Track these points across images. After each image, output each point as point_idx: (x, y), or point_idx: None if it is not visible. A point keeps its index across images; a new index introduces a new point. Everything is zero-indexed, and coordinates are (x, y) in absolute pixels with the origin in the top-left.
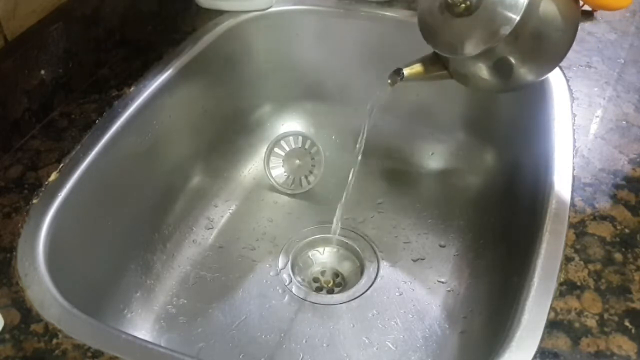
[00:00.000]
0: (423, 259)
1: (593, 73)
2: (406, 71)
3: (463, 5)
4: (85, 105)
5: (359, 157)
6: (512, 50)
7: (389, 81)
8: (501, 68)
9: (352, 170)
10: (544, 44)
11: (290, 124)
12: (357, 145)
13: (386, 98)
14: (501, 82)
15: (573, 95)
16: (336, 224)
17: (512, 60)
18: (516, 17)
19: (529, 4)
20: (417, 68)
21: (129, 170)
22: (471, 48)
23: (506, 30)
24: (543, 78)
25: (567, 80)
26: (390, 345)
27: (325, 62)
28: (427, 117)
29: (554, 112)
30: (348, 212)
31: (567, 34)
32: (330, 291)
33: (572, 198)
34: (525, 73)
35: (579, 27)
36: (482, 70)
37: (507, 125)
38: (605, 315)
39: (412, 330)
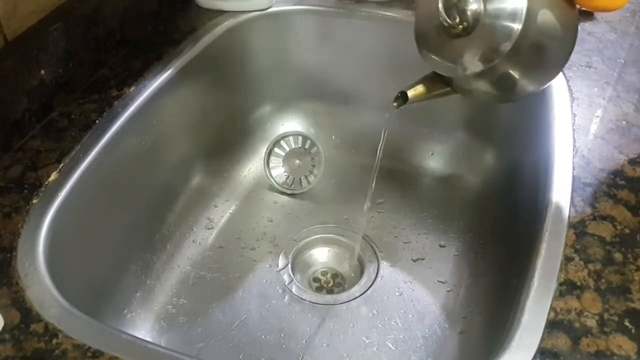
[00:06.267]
0: (423, 259)
1: (593, 73)
2: (410, 93)
3: (460, 26)
4: (85, 105)
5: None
6: (514, 64)
7: (395, 104)
8: (504, 82)
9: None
10: (545, 54)
11: (290, 124)
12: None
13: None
14: (505, 94)
15: (573, 95)
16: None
17: (515, 74)
18: (516, 32)
19: (527, 16)
20: (420, 89)
21: (129, 170)
22: (472, 68)
23: (507, 46)
24: (547, 86)
25: (567, 80)
26: (390, 345)
27: (325, 62)
28: (427, 117)
29: (554, 112)
30: (348, 212)
31: (567, 40)
32: (330, 291)
33: (572, 198)
34: (528, 84)
35: (579, 28)
36: (485, 86)
37: (507, 125)
38: (605, 315)
39: (412, 330)
